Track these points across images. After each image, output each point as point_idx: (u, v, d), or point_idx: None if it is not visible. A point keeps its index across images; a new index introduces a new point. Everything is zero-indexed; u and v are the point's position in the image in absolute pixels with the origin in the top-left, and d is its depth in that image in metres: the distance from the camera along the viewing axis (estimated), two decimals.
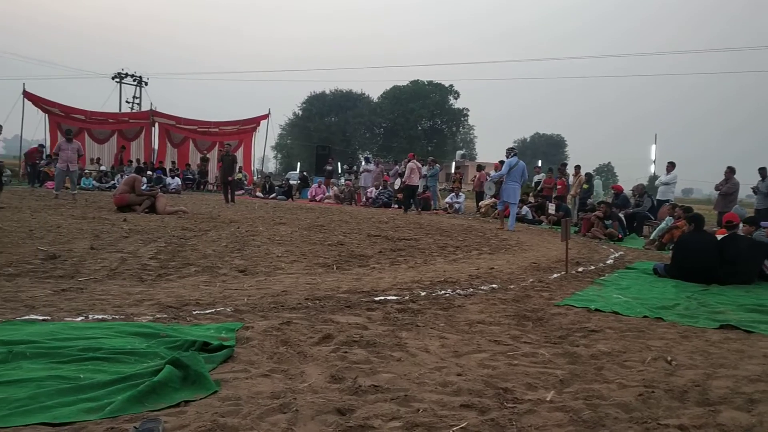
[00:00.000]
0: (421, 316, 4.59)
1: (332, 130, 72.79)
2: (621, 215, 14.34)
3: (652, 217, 15.20)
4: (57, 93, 29.32)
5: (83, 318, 4.03)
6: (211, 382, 2.88)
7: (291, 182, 29.71)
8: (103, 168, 26.77)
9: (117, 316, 4.11)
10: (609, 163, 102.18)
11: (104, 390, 2.71)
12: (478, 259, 8.35)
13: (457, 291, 5.75)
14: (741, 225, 8.63)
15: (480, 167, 24.81)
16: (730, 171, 14.78)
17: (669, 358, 3.75)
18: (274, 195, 25.21)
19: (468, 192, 28.30)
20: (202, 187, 28.79)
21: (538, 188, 20.46)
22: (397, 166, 24.89)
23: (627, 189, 19.37)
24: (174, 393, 2.74)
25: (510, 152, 14.77)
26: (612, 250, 11.05)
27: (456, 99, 74.39)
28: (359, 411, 2.65)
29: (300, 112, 76.38)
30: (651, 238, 12.63)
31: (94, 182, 24.55)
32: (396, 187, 23.10)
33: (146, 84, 50.04)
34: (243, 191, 26.09)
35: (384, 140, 73.07)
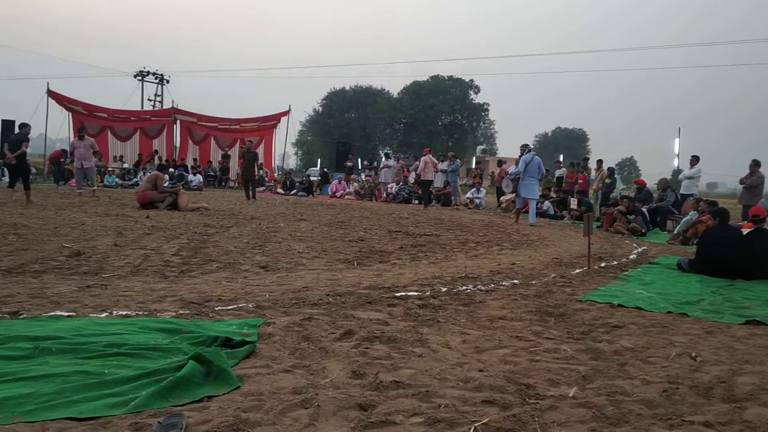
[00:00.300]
0: (442, 312, 4.58)
1: (352, 126, 72.89)
2: (644, 210, 14.21)
3: (676, 212, 15.04)
4: (80, 91, 29.55)
5: (107, 314, 4.07)
6: (233, 377, 2.90)
7: (312, 178, 29.79)
8: (125, 166, 27.04)
9: (140, 312, 4.15)
10: (631, 157, 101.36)
11: (128, 385, 2.74)
12: (499, 255, 8.31)
13: (479, 287, 5.73)
14: None
15: (501, 162, 24.73)
16: (755, 164, 14.54)
17: (693, 354, 3.71)
18: (294, 191, 25.32)
19: (489, 187, 28.19)
20: (223, 183, 28.97)
21: (560, 183, 20.33)
22: (417, 162, 24.88)
23: (650, 183, 19.18)
24: (197, 388, 2.76)
25: (525, 149, 14.76)
26: (635, 245, 10.95)
27: (476, 94, 74.14)
28: (381, 406, 2.65)
29: (320, 109, 76.55)
30: (675, 232, 12.50)
31: (117, 180, 24.81)
32: (410, 181, 23.09)
33: (168, 82, 50.44)
34: (264, 188, 26.21)
35: (404, 136, 72.97)
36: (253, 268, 6.27)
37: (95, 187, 17.46)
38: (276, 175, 30.99)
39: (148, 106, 47.46)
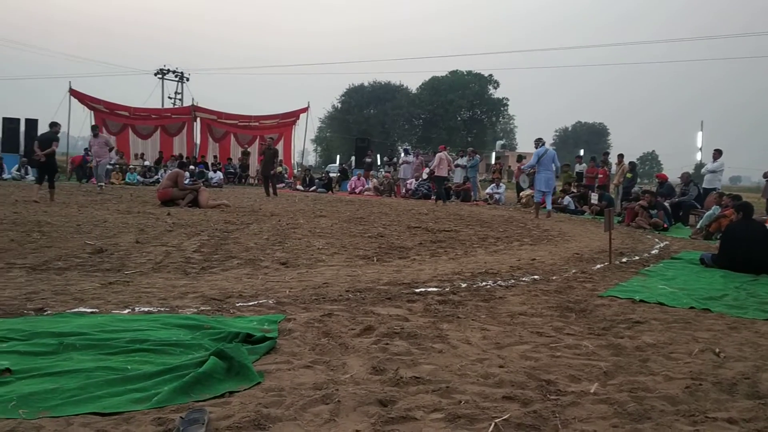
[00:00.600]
0: (462, 308, 4.57)
1: (371, 122, 72.91)
2: (666, 204, 14.07)
3: (699, 206, 14.88)
4: (101, 90, 29.84)
5: (130, 310, 4.12)
6: (254, 373, 2.92)
7: (331, 175, 29.84)
8: (146, 163, 27.28)
9: (162, 309, 4.19)
10: (653, 151, 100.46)
11: (151, 381, 2.76)
12: (519, 250, 8.28)
13: (499, 282, 5.72)
14: None
15: (520, 157, 24.61)
16: None
17: (717, 350, 3.67)
18: (314, 188, 25.38)
19: (508, 182, 28.06)
20: (243, 180, 29.12)
21: (581, 178, 20.18)
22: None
23: (672, 178, 18.99)
24: (218, 384, 2.78)
25: (538, 143, 14.92)
26: (657, 240, 10.85)
27: (496, 89, 73.78)
28: (401, 402, 2.66)
29: (339, 105, 76.63)
30: (697, 227, 12.38)
31: (138, 177, 25.04)
32: (424, 177, 23.05)
33: (188, 79, 50.83)
34: (283, 184, 26.30)
35: (423, 131, 72.84)
36: (273, 265, 6.30)
37: (102, 183, 17.71)
38: (295, 171, 31.09)
39: (168, 104, 47.88)
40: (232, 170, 29.02)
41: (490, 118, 75.33)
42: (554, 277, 6.13)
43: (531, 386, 2.93)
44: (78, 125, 27.35)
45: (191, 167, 23.80)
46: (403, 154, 26.64)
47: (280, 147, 29.22)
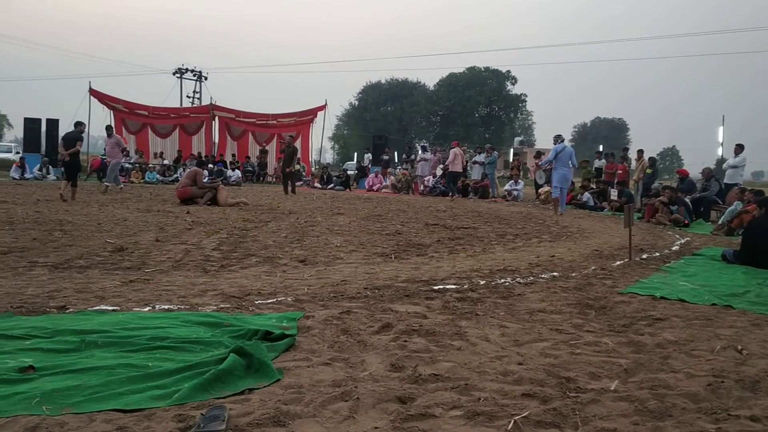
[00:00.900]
0: (480, 305, 4.56)
1: (388, 119, 72.95)
2: (687, 200, 13.92)
3: (720, 202, 14.72)
4: (120, 89, 30.12)
5: (150, 308, 4.15)
6: (273, 370, 2.93)
7: (348, 172, 29.90)
8: (166, 162, 27.48)
9: (182, 306, 4.22)
10: (674, 146, 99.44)
11: (172, 378, 2.79)
12: (538, 247, 8.24)
13: (517, 279, 5.69)
14: None
15: (539, 153, 24.48)
16: None
17: (739, 347, 3.63)
18: (331, 185, 25.43)
19: (527, 179, 27.93)
20: (261, 178, 29.26)
21: (600, 174, 20.05)
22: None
23: (693, 173, 18.80)
24: (238, 381, 2.79)
25: (557, 139, 14.95)
26: (677, 236, 10.74)
27: (513, 85, 73.48)
28: (420, 399, 2.66)
29: (356, 102, 76.76)
30: (719, 223, 12.24)
31: (157, 176, 25.24)
32: (437, 174, 23.03)
33: (206, 78, 51.12)
34: (301, 182, 26.39)
35: (441, 128, 72.79)
36: (292, 262, 6.32)
37: (108, 184, 17.03)
38: (313, 169, 31.18)
39: (186, 103, 48.19)
40: (250, 168, 29.19)
41: (508, 114, 75.11)
42: (573, 274, 6.09)
43: (550, 383, 2.91)
44: (98, 125, 27.51)
45: (210, 166, 23.97)
46: (420, 152, 26.62)
47: (297, 145, 29.34)
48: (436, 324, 3.94)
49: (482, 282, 5.48)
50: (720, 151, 46.63)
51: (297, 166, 25.17)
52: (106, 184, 17.10)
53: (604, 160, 20.89)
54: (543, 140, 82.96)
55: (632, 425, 2.46)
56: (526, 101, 75.68)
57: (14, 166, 23.73)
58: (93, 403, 2.50)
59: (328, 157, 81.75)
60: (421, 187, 23.72)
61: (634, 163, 19.04)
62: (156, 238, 7.62)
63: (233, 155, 29.73)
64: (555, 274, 6.08)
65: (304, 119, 31.08)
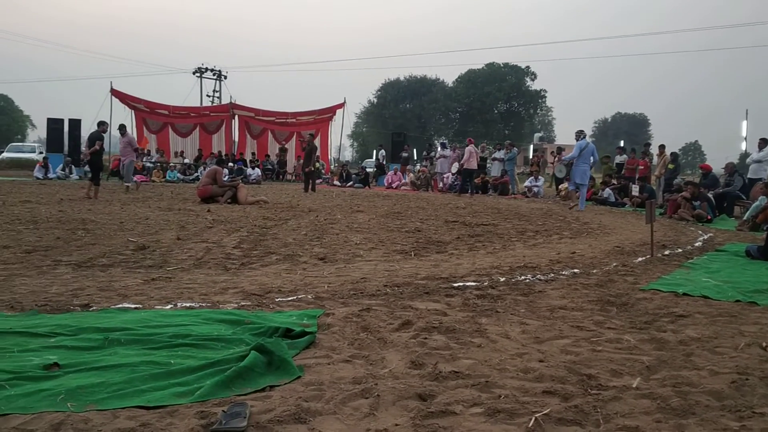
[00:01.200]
0: (500, 302, 4.54)
1: (407, 116, 72.81)
2: (710, 195, 13.76)
3: (744, 197, 14.52)
4: (141, 89, 30.44)
5: (172, 306, 4.19)
6: (294, 367, 2.94)
7: (367, 170, 29.93)
8: (186, 161, 27.69)
9: (204, 304, 4.25)
10: (696, 141, 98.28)
11: (193, 375, 2.81)
12: (558, 244, 8.19)
13: (538, 276, 5.66)
14: None
15: (560, 149, 24.34)
16: None
17: (764, 344, 3.58)
18: (351, 183, 25.48)
19: (547, 175, 27.77)
20: (281, 177, 29.38)
21: (621, 170, 19.88)
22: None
23: (716, 168, 18.57)
24: (259, 378, 2.81)
25: (579, 135, 14.93)
26: (700, 232, 10.62)
27: (533, 80, 73.06)
28: (440, 397, 2.65)
29: (375, 100, 76.70)
30: (743, 218, 12.08)
31: (178, 175, 25.43)
32: (453, 171, 22.97)
33: (225, 77, 51.41)
34: (320, 180, 26.48)
35: (460, 125, 72.50)
36: (312, 260, 6.34)
37: (129, 183, 16.83)
38: (332, 167, 31.24)
39: (206, 102, 48.52)
40: (269, 167, 29.32)
41: (527, 110, 74.71)
42: (595, 271, 6.05)
43: (571, 381, 2.89)
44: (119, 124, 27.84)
45: (230, 164, 24.10)
46: (440, 149, 26.57)
47: (317, 143, 29.43)
48: (456, 321, 3.93)
49: (502, 279, 5.46)
50: (743, 146, 46.05)
51: (317, 164, 25.29)
52: (127, 184, 16.98)
53: (625, 156, 20.71)
54: (563, 136, 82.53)
55: (654, 423, 2.44)
56: (545, 97, 75.22)
57: (38, 166, 24.00)
58: (116, 400, 2.52)
59: (347, 154, 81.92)
60: (441, 184, 23.68)
61: (655, 159, 18.83)
62: (177, 236, 7.68)
63: (253, 153, 29.88)
64: (576, 270, 6.04)
65: (323, 117, 31.17)
